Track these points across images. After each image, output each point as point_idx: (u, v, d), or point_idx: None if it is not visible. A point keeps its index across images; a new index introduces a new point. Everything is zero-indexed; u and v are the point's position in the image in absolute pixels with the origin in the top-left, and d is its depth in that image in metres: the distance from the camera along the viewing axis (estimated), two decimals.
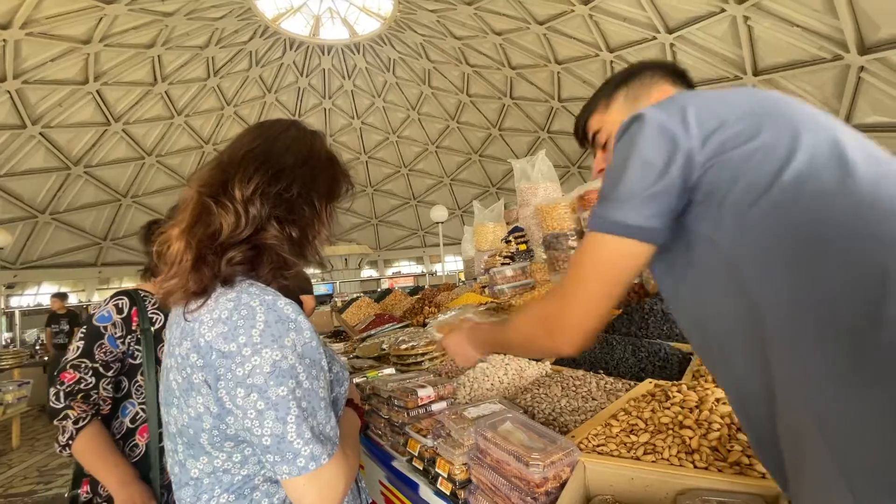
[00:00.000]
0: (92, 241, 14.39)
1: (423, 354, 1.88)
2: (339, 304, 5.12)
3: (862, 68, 8.22)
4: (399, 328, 2.75)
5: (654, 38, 10.35)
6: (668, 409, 1.00)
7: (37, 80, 10.60)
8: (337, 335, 3.71)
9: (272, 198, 0.80)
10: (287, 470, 0.66)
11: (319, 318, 4.84)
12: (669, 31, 10.02)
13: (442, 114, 16.67)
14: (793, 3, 8.08)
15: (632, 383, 1.29)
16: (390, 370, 1.86)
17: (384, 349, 2.25)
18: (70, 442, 1.26)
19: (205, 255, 0.75)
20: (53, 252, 13.69)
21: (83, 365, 1.33)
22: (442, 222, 10.12)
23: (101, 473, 1.28)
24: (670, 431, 0.94)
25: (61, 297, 7.76)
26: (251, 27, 13.02)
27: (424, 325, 2.60)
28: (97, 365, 1.35)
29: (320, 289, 13.95)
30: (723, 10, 8.93)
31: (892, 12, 7.28)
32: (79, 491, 1.39)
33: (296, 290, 3.82)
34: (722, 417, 0.94)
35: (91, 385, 1.33)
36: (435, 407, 1.31)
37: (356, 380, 1.71)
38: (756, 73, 9.72)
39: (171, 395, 0.77)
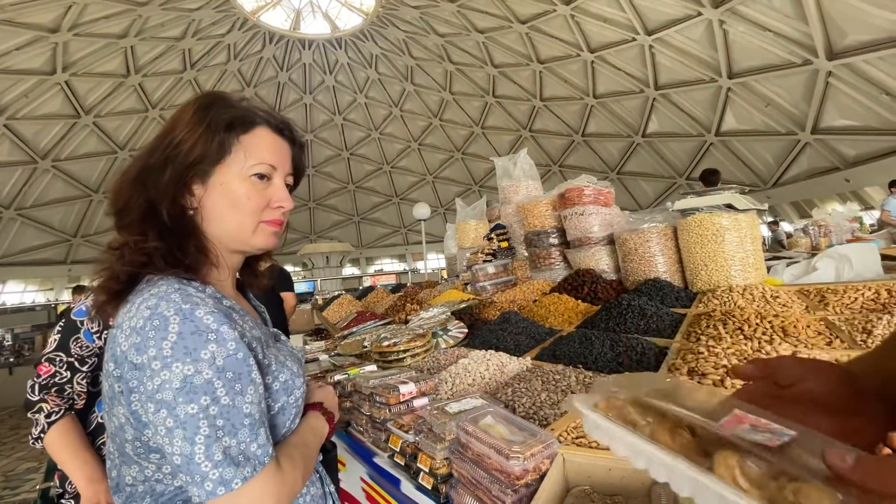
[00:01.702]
0: (61, 237, 13.88)
1: (404, 351, 1.88)
2: (321, 302, 5.06)
3: (830, 73, 8.55)
4: (381, 325, 2.74)
5: (634, 39, 10.54)
6: None
7: (1, 70, 10.15)
8: (318, 333, 3.67)
9: (127, 192, 0.76)
10: (196, 493, 0.62)
11: (300, 315, 4.79)
12: (648, 33, 10.21)
13: (424, 111, 16.63)
14: (766, 8, 8.34)
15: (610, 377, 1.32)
16: (372, 367, 1.86)
17: (366, 346, 2.24)
18: (42, 435, 1.26)
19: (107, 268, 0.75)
20: (19, 249, 13.16)
21: (58, 359, 1.33)
22: (424, 220, 10.10)
23: (70, 469, 1.27)
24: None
25: (82, 291, 7.22)
26: (229, 19, 12.73)
27: (406, 322, 2.60)
28: (72, 359, 1.34)
29: (301, 287, 13.77)
30: (699, 14, 9.15)
31: (858, 19, 7.58)
32: (50, 484, 1.39)
33: (277, 287, 3.76)
34: None
35: (66, 379, 1.32)
36: (417, 403, 1.31)
37: (337, 377, 1.70)
38: (731, 76, 10.00)
39: (105, 401, 0.75)
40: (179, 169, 0.75)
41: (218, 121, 0.77)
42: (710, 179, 4.85)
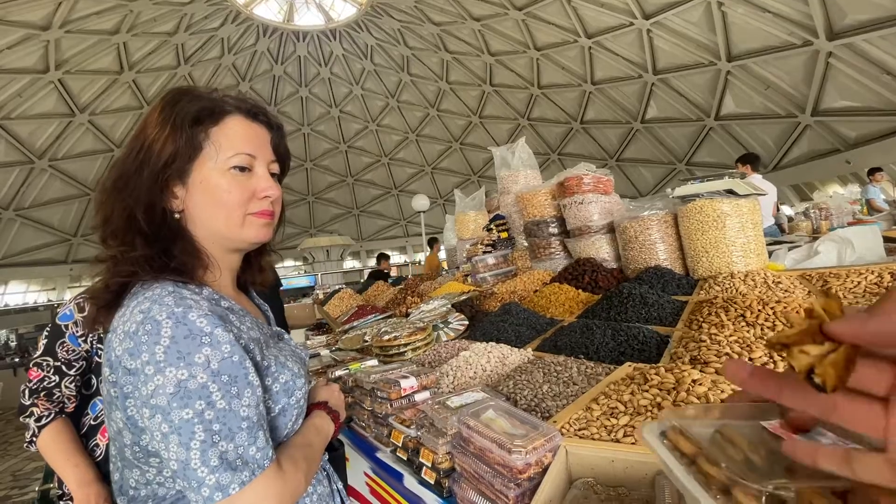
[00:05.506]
0: (61, 237, 13.87)
1: (405, 345, 1.87)
2: (321, 297, 5.06)
3: (830, 54, 8.44)
4: (382, 319, 2.73)
5: (632, 23, 10.39)
6: (647, 391, 1.02)
7: None
8: (319, 327, 3.68)
9: (109, 203, 0.75)
10: (194, 498, 0.61)
11: (302, 310, 4.80)
12: (646, 17, 10.07)
13: (421, 101, 16.49)
14: None
15: (611, 367, 1.31)
16: (373, 362, 1.86)
17: (367, 341, 2.23)
18: (34, 439, 1.28)
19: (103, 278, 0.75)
20: (20, 250, 13.16)
21: (45, 363, 1.34)
22: (424, 211, 10.06)
23: (62, 471, 1.29)
24: (649, 413, 0.96)
25: None
26: (222, 13, 12.57)
27: (407, 315, 2.60)
28: (59, 363, 1.36)
29: (302, 281, 13.79)
30: None
31: None
32: (50, 486, 1.42)
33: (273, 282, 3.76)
34: (698, 398, 0.96)
35: (54, 383, 1.34)
36: (418, 397, 1.31)
37: (338, 372, 1.70)
38: (730, 59, 9.88)
39: (104, 406, 0.75)
40: (154, 171, 0.73)
41: (184, 116, 0.74)
42: (756, 163, 4.93)
